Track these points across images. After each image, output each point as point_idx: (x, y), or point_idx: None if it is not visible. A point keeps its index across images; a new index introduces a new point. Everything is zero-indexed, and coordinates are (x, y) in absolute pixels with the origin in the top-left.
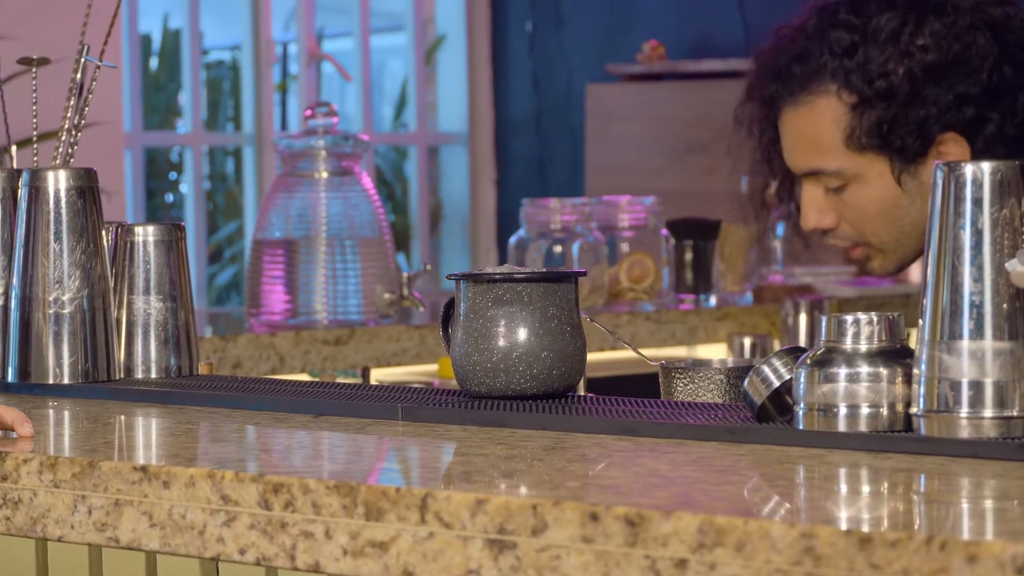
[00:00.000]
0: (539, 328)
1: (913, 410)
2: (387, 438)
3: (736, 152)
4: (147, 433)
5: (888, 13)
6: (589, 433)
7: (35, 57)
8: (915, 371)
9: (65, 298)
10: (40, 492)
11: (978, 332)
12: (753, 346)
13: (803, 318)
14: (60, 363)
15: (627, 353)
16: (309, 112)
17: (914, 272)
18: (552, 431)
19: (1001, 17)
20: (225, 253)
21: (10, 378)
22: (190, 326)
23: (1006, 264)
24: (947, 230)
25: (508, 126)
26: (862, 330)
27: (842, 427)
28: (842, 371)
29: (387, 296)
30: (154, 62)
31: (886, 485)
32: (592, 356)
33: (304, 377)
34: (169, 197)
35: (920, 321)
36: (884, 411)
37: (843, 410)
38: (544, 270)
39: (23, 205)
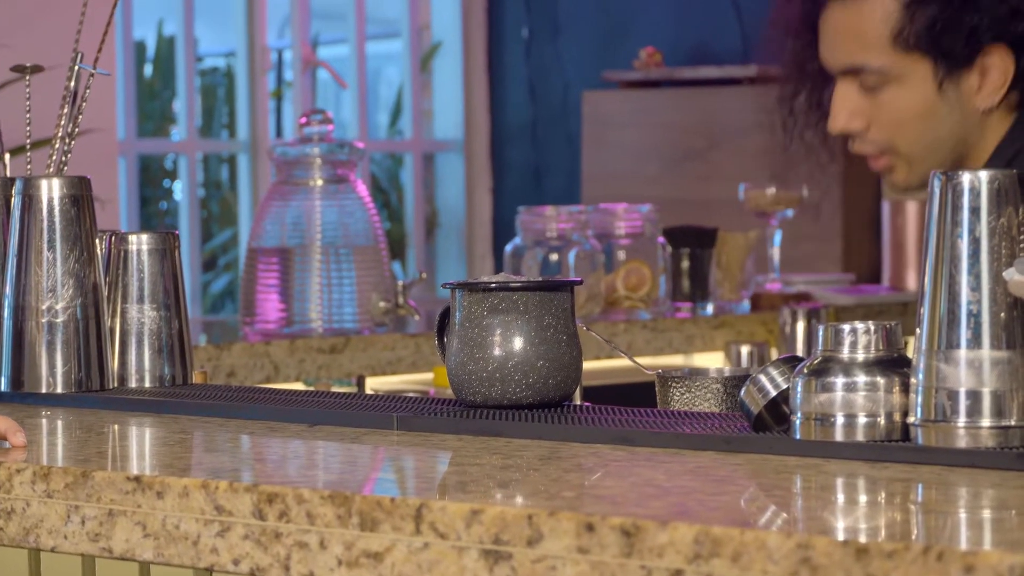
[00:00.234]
0: (535, 337)
1: (910, 419)
2: (382, 447)
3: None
4: (141, 443)
5: None
6: (585, 443)
7: (28, 65)
8: (912, 380)
9: (58, 307)
10: (33, 502)
11: (976, 341)
12: (750, 354)
13: (800, 326)
14: (53, 372)
15: (623, 362)
16: (304, 119)
17: (911, 280)
18: (548, 440)
19: None
20: (219, 261)
21: (3, 387)
22: (184, 335)
23: (1004, 273)
24: (944, 239)
25: (504, 133)
26: (859, 339)
27: (839, 437)
28: (839, 380)
29: (382, 304)
30: (148, 69)
31: (883, 495)
32: (588, 365)
33: (299, 386)
34: (163, 205)
35: (917, 330)
36: (881, 420)
37: (840, 419)
38: (540, 279)
39: (16, 213)
